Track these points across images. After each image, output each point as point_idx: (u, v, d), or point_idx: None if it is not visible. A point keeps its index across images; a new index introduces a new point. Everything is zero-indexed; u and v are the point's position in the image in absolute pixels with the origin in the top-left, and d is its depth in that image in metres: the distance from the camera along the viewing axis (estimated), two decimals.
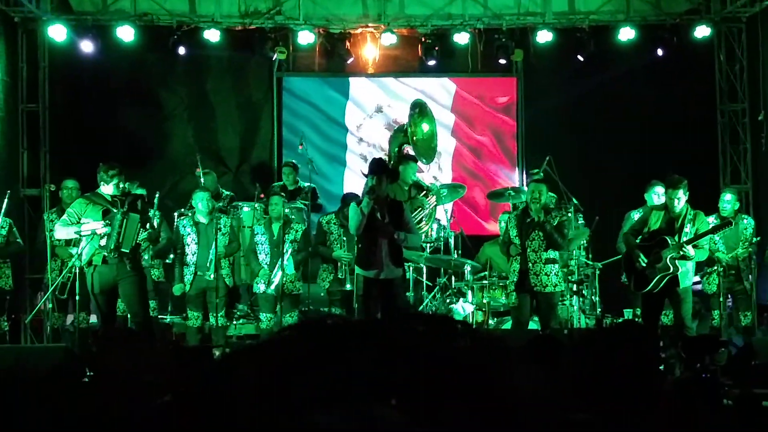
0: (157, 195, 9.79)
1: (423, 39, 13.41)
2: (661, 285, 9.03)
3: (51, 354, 8.22)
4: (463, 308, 10.89)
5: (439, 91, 13.82)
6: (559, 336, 8.14)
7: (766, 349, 8.28)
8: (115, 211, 8.51)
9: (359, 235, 9.01)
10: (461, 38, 13.16)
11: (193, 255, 10.04)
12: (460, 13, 13.30)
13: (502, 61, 13.37)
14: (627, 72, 13.33)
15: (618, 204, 12.34)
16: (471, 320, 10.70)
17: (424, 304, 11.14)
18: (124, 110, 13.33)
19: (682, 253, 8.92)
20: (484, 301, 10.61)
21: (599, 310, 11.04)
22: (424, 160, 12.14)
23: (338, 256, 10.32)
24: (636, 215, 9.85)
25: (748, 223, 10.31)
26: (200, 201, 10.13)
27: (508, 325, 10.25)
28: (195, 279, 10.02)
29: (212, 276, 9.92)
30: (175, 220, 10.78)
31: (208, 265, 9.93)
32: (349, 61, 13.46)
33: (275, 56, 13.15)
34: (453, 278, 11.32)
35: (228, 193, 12.22)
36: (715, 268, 10.00)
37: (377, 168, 9.13)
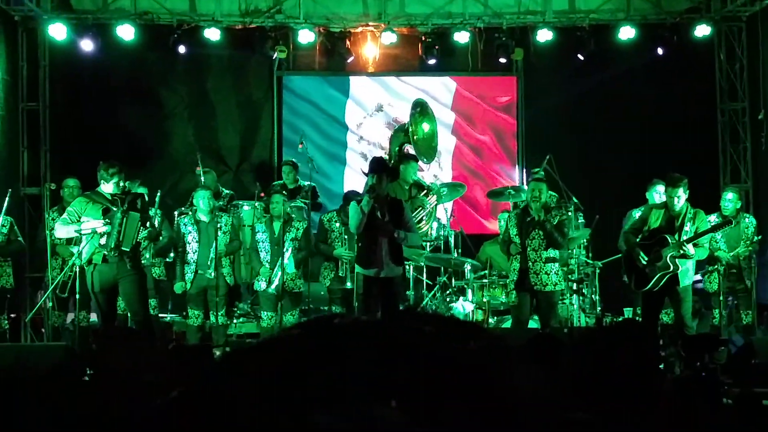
0: (158, 193, 9.80)
1: (423, 38, 13.41)
2: (661, 284, 9.03)
3: (51, 352, 8.23)
4: (463, 307, 10.90)
5: (440, 90, 13.81)
6: (559, 335, 8.15)
7: (766, 348, 8.28)
8: (115, 209, 8.51)
9: (359, 234, 9.01)
10: (461, 37, 13.15)
11: (194, 253, 10.05)
12: (461, 11, 13.30)
13: (503, 60, 13.37)
14: (627, 71, 13.33)
15: (618, 203, 12.34)
16: (471, 319, 10.70)
17: (424, 302, 11.13)
18: (125, 109, 13.32)
19: (682, 251, 8.92)
20: (484, 299, 10.61)
21: (599, 308, 11.05)
22: (424, 160, 12.15)
23: (339, 254, 10.32)
24: (637, 214, 9.86)
25: (749, 222, 10.31)
26: (201, 199, 10.14)
27: (507, 324, 10.25)
28: (196, 277, 10.02)
29: (212, 274, 9.92)
30: (176, 218, 10.78)
31: (209, 263, 9.93)
32: (349, 60, 13.46)
33: (275, 55, 13.15)
34: (453, 277, 11.32)
35: (228, 191, 12.22)
36: (716, 266, 10.01)
37: (377, 167, 9.14)
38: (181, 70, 13.60)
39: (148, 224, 8.79)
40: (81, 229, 8.50)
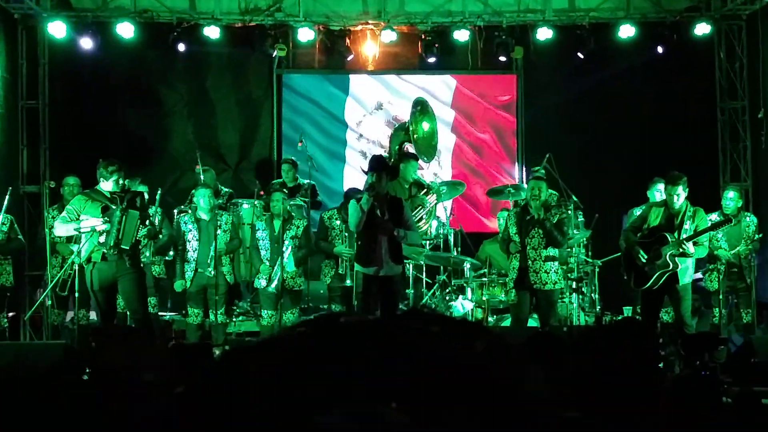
0: (159, 192, 9.80)
1: (423, 36, 13.40)
2: (661, 282, 9.03)
3: (50, 351, 8.22)
4: (463, 305, 10.90)
5: (440, 88, 13.81)
6: (559, 333, 8.14)
7: (766, 347, 8.28)
8: (114, 207, 8.51)
9: (359, 232, 9.01)
10: (461, 35, 13.15)
11: (194, 252, 10.04)
12: (460, 10, 13.29)
13: (502, 59, 13.37)
14: (627, 69, 13.34)
15: (617, 201, 12.36)
16: (470, 318, 10.70)
17: (423, 301, 11.14)
18: (124, 107, 13.32)
19: (681, 250, 8.92)
20: (484, 298, 10.61)
21: (599, 307, 11.05)
22: (425, 158, 12.15)
23: (339, 251, 10.30)
24: (639, 212, 9.86)
25: (750, 220, 10.30)
26: (202, 198, 10.13)
27: (507, 323, 10.25)
28: (196, 276, 10.02)
29: (212, 273, 9.92)
30: (175, 216, 10.79)
31: (209, 262, 9.93)
32: (349, 59, 13.46)
33: (275, 53, 13.15)
34: (452, 275, 11.32)
35: (227, 190, 12.22)
36: (717, 265, 10.01)
37: (377, 165, 9.14)
38: (181, 68, 13.60)
39: (147, 222, 8.79)
40: (80, 227, 8.49)
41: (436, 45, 13.28)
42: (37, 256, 10.82)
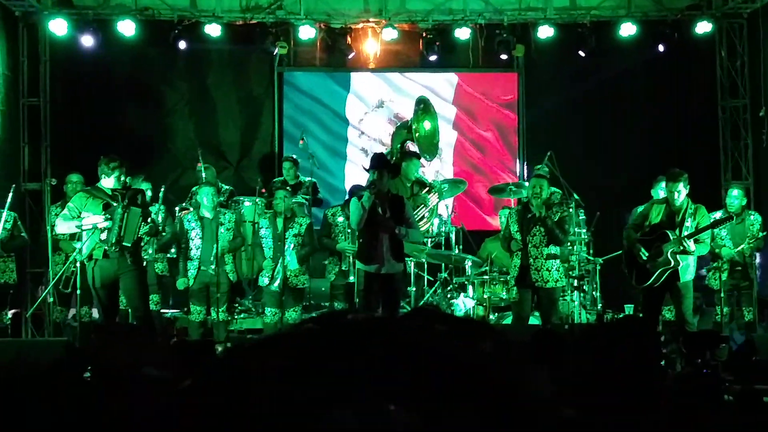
0: (162, 189, 9.81)
1: (424, 34, 13.40)
2: (662, 279, 9.04)
3: (52, 348, 8.22)
4: (464, 303, 10.90)
5: (441, 84, 13.81)
6: (560, 331, 8.15)
7: (767, 345, 8.28)
8: (115, 204, 8.51)
9: (360, 230, 9.01)
10: (462, 33, 13.14)
11: (197, 250, 10.04)
12: (461, 8, 13.29)
13: (504, 57, 13.37)
14: (628, 68, 13.34)
15: (619, 199, 12.37)
16: (471, 315, 10.70)
17: (425, 299, 11.14)
18: (125, 105, 13.32)
19: (682, 247, 8.92)
20: (485, 296, 10.61)
21: (600, 305, 11.05)
22: (427, 157, 12.16)
23: (342, 248, 10.28)
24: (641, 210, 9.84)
25: (755, 218, 10.28)
26: (205, 196, 10.12)
27: (508, 321, 10.25)
28: (198, 273, 10.01)
29: (214, 270, 9.92)
30: (177, 213, 10.79)
31: (211, 259, 9.94)
32: (350, 56, 13.46)
33: (276, 51, 13.14)
34: (454, 273, 11.33)
35: (227, 187, 12.21)
36: (720, 263, 10.00)
37: (378, 163, 9.14)
38: (182, 65, 13.60)
39: (149, 220, 8.79)
40: (82, 224, 8.50)
41: (437, 43, 13.28)
42: (41, 253, 10.83)
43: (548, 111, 13.52)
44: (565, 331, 8.84)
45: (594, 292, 11.03)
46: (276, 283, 9.96)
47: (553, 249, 9.27)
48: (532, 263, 9.22)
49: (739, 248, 10.03)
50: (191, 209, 10.55)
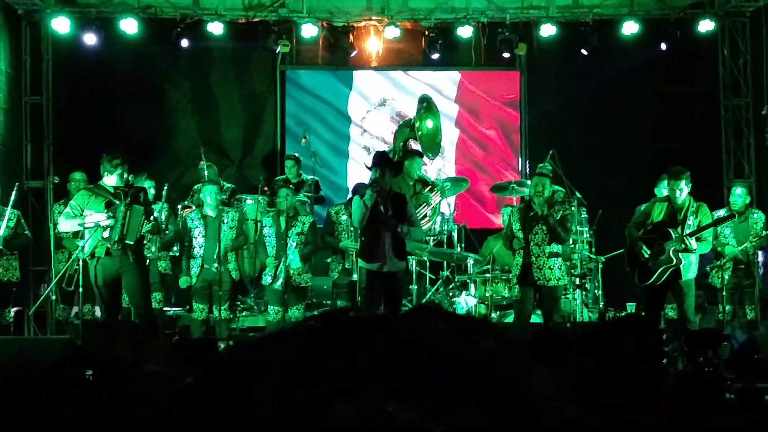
0: (165, 187, 9.81)
1: (426, 32, 13.40)
2: (664, 277, 9.03)
3: (54, 346, 8.23)
4: (466, 301, 10.90)
5: (444, 83, 13.82)
6: (562, 329, 8.14)
7: None
8: (117, 202, 8.51)
9: (362, 228, 9.01)
10: (465, 32, 13.14)
11: (200, 248, 10.05)
12: (464, 6, 13.29)
13: (506, 55, 13.37)
14: (630, 66, 13.34)
15: (621, 197, 12.36)
16: (473, 313, 10.70)
17: (427, 297, 11.14)
18: (128, 103, 13.33)
19: (684, 245, 8.92)
20: (487, 294, 10.61)
21: (602, 303, 11.05)
22: (429, 155, 12.16)
23: (345, 245, 10.28)
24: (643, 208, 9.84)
25: (758, 217, 10.27)
26: (209, 194, 10.12)
27: (510, 319, 10.25)
28: (202, 271, 10.02)
29: (216, 269, 9.93)
30: (179, 212, 10.80)
31: (214, 258, 9.94)
32: (352, 55, 13.46)
33: (279, 49, 13.15)
34: (456, 272, 11.33)
35: (229, 185, 12.21)
36: (720, 261, 9.99)
37: (380, 161, 9.13)
38: (185, 64, 13.60)
39: (151, 218, 8.80)
40: (84, 222, 8.50)
41: (440, 41, 13.28)
42: (42, 251, 10.83)
43: (550, 109, 13.52)
44: (567, 329, 8.83)
45: (596, 291, 11.03)
46: (279, 282, 9.96)
47: (555, 247, 9.26)
48: (534, 261, 9.21)
49: (743, 246, 10.02)
50: (193, 207, 10.55)
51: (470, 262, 11.07)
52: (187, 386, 1.29)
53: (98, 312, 9.57)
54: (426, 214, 11.16)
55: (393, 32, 13.06)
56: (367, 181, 9.77)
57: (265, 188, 11.77)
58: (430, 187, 11.41)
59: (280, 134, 13.70)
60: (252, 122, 13.75)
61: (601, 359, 2.71)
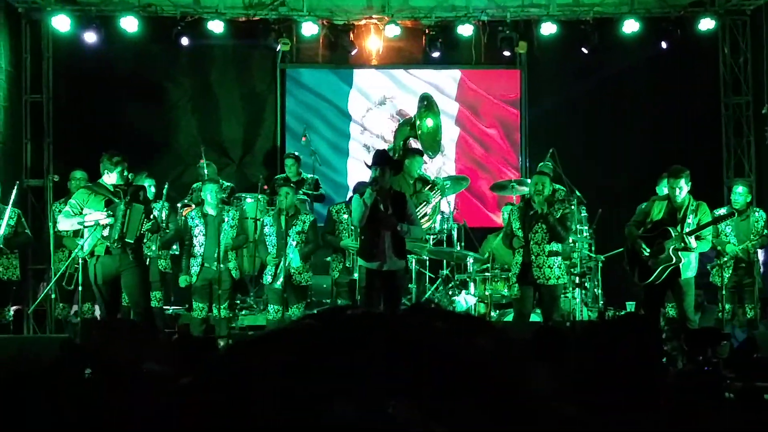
0: (165, 186, 9.81)
1: (427, 31, 13.40)
2: (664, 276, 9.03)
3: (54, 345, 8.23)
4: (466, 300, 10.90)
5: (444, 81, 13.82)
6: (562, 328, 8.14)
7: None
8: (117, 201, 8.51)
9: (362, 227, 9.00)
10: (465, 30, 13.14)
11: (200, 246, 10.04)
12: (464, 5, 13.28)
13: (506, 54, 13.37)
14: (631, 65, 13.34)
15: (621, 196, 12.35)
16: (473, 312, 10.70)
17: (426, 296, 11.14)
18: (128, 101, 13.32)
19: (683, 244, 8.92)
20: (487, 293, 10.61)
21: (602, 302, 11.04)
22: (430, 154, 12.16)
23: (346, 244, 10.26)
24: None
25: (759, 215, 10.25)
26: (209, 193, 10.12)
27: (509, 318, 10.25)
28: (202, 270, 10.01)
29: (216, 267, 9.92)
30: (179, 210, 10.79)
31: (215, 256, 9.94)
32: (352, 53, 13.46)
33: (279, 47, 13.15)
34: (455, 270, 11.33)
35: (228, 184, 12.20)
36: (720, 260, 9.98)
37: (380, 159, 9.12)
38: (185, 62, 13.61)
39: (151, 216, 8.80)
40: (84, 221, 8.50)
41: (440, 40, 13.28)
42: (42, 250, 10.82)
43: (551, 108, 13.52)
44: (566, 328, 8.83)
45: (596, 290, 11.03)
46: (279, 282, 9.95)
47: (555, 246, 9.26)
48: (534, 260, 9.20)
49: (744, 245, 10.01)
50: (193, 206, 10.54)
51: (470, 260, 11.07)
52: (185, 385, 1.29)
53: (98, 311, 9.57)
54: (426, 213, 11.16)
55: (393, 30, 13.06)
56: (367, 179, 9.77)
57: (265, 187, 11.77)
58: (430, 185, 11.41)
59: (280, 132, 13.70)
60: (252, 121, 13.75)
61: (601, 358, 2.71)
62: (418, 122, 11.92)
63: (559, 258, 9.34)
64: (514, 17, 13.18)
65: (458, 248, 11.34)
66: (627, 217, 9.87)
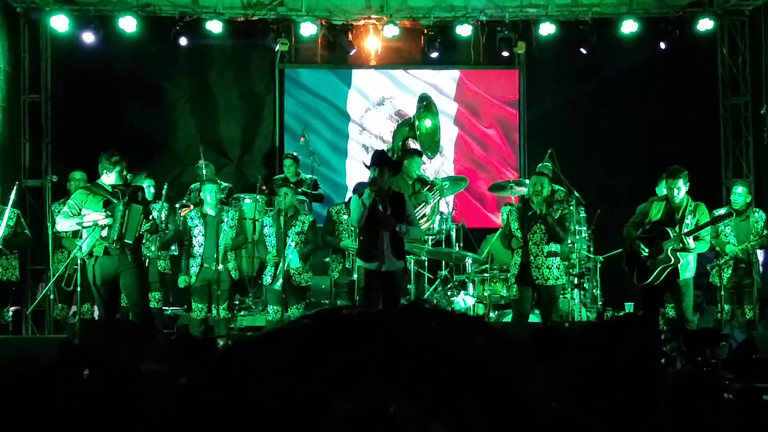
0: (165, 186, 9.80)
1: (425, 31, 13.40)
2: (663, 277, 9.03)
3: (52, 345, 8.22)
4: (464, 301, 10.90)
5: (443, 80, 13.82)
6: (560, 329, 8.14)
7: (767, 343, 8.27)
8: (116, 201, 8.50)
9: (361, 228, 9.00)
10: (464, 30, 13.14)
11: (199, 247, 10.03)
12: (463, 5, 13.29)
13: (505, 54, 13.36)
14: (629, 65, 13.33)
15: (619, 196, 12.36)
16: (472, 313, 10.70)
17: (425, 296, 11.13)
18: (126, 101, 13.31)
19: (682, 244, 8.92)
20: (485, 293, 10.61)
21: (600, 303, 11.04)
22: (428, 154, 12.16)
23: (346, 245, 10.24)
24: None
25: (759, 216, 10.25)
26: (209, 193, 10.10)
27: (508, 318, 10.25)
28: (201, 270, 10.00)
29: (215, 268, 9.92)
30: (177, 210, 10.78)
31: (214, 257, 9.93)
32: (351, 53, 13.46)
33: (277, 47, 13.14)
34: (454, 271, 11.32)
35: (226, 184, 12.19)
36: (719, 261, 9.98)
37: (379, 160, 9.12)
38: (183, 62, 13.60)
39: (150, 217, 8.79)
40: (83, 221, 8.49)
41: (439, 40, 13.28)
42: (41, 250, 10.81)
43: (549, 108, 13.52)
44: (565, 329, 8.83)
45: (594, 290, 11.03)
46: (279, 283, 9.94)
47: (554, 246, 9.26)
48: (533, 261, 9.21)
49: (743, 245, 10.01)
50: (191, 207, 10.53)
51: (469, 261, 11.06)
52: (183, 385, 1.29)
53: (97, 311, 9.56)
54: (425, 213, 11.15)
55: (392, 31, 13.06)
56: (366, 179, 9.76)
57: (263, 187, 11.75)
58: (429, 186, 11.41)
59: (279, 133, 13.70)
60: (251, 121, 13.74)
61: (599, 359, 2.71)
62: (416, 123, 11.92)
63: (558, 258, 9.34)
64: (512, 17, 13.18)
65: (457, 249, 11.33)
66: (626, 217, 9.87)
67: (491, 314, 10.58)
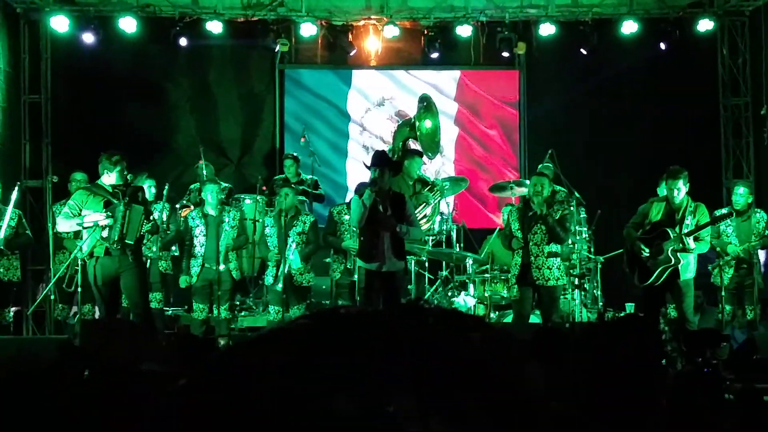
0: (166, 186, 9.81)
1: (426, 31, 13.41)
2: (663, 277, 9.03)
3: (53, 345, 8.22)
4: (465, 301, 10.90)
5: (443, 80, 13.82)
6: (561, 329, 8.14)
7: None
8: (116, 202, 8.50)
9: (361, 228, 9.00)
10: (464, 31, 13.14)
11: (201, 247, 10.03)
12: (463, 5, 13.29)
13: (505, 54, 13.37)
14: (630, 66, 13.33)
15: (620, 197, 12.36)
16: (472, 313, 10.70)
17: (425, 297, 11.12)
18: (127, 102, 13.32)
19: (682, 245, 8.92)
20: (486, 294, 10.61)
21: (601, 303, 11.04)
22: (429, 155, 12.15)
23: (347, 246, 10.24)
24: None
25: (760, 216, 10.24)
26: (210, 193, 10.11)
27: (509, 319, 10.25)
28: (202, 271, 10.00)
29: (216, 268, 9.92)
30: (177, 210, 10.79)
31: (216, 257, 9.93)
32: (351, 54, 13.46)
33: (277, 48, 13.14)
34: (455, 271, 11.32)
35: (225, 185, 12.18)
36: (721, 261, 9.98)
37: (379, 160, 9.12)
38: (183, 62, 13.60)
39: (151, 217, 8.80)
40: (83, 222, 8.49)
41: (439, 40, 13.28)
42: (41, 251, 10.81)
43: (550, 108, 13.52)
44: (565, 329, 8.83)
45: (595, 291, 11.03)
46: (279, 285, 9.93)
47: (554, 247, 9.26)
48: (533, 261, 9.21)
49: (745, 245, 10.00)
50: (191, 207, 10.53)
51: (469, 261, 11.06)
52: (183, 386, 1.29)
53: (98, 312, 9.57)
54: (425, 214, 11.15)
55: (392, 31, 13.06)
56: (367, 180, 9.76)
57: (264, 188, 11.75)
58: (429, 186, 11.41)
59: (279, 133, 13.70)
60: (251, 121, 13.74)
61: (600, 359, 2.71)
62: (417, 123, 11.92)
63: (559, 259, 9.34)
64: (512, 18, 13.18)
65: (457, 249, 11.33)
66: (626, 218, 9.87)
67: (492, 315, 10.58)
